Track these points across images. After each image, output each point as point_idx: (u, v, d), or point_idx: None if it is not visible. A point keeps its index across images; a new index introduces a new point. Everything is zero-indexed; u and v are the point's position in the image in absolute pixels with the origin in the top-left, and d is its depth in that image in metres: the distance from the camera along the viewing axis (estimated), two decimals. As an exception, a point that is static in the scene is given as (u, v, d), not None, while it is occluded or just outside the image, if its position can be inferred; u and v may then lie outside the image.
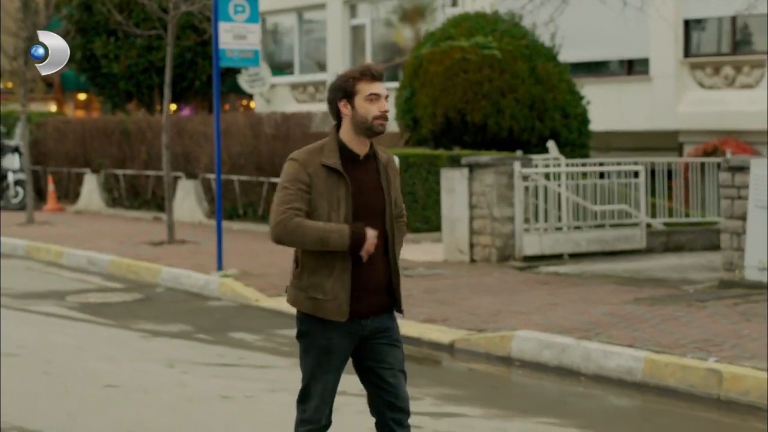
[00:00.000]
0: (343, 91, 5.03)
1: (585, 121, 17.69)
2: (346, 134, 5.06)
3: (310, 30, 28.30)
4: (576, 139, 17.62)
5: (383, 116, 5.00)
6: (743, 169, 11.57)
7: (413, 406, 5.47)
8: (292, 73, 27.99)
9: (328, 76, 26.65)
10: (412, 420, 5.32)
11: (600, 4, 15.72)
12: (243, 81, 26.41)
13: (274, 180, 18.79)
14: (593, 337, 9.28)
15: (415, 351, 9.77)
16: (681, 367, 8.31)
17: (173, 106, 29.92)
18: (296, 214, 4.97)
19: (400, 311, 5.23)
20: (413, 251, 15.01)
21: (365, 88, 5.00)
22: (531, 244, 14.23)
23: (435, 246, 15.68)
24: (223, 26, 14.14)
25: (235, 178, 20.07)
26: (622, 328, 9.63)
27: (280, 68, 28.28)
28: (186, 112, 30.60)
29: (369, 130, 5.02)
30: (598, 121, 18.51)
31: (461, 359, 9.70)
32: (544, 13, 15.25)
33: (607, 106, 19.65)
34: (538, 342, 9.36)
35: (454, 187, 14.53)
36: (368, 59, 22.38)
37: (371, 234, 4.97)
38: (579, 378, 8.83)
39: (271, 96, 27.63)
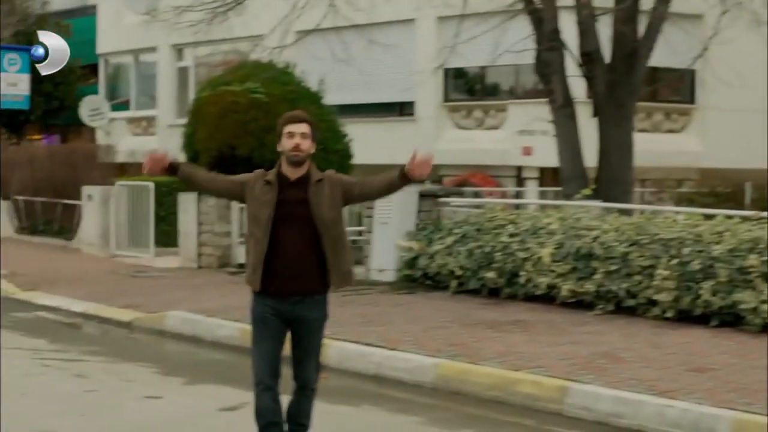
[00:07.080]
0: (278, 133, 6.40)
1: (346, 155, 19.26)
2: (282, 163, 6.44)
3: (144, 70, 31.12)
4: (337, 170, 19.50)
5: (296, 148, 6.34)
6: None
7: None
8: (128, 108, 30.67)
9: (158, 112, 29.53)
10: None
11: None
12: (84, 115, 27.11)
13: (67, 201, 22.74)
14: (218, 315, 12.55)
15: (95, 326, 13.20)
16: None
17: (38, 136, 32.11)
18: (217, 174, 6.89)
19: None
20: (160, 260, 18.65)
21: (285, 129, 6.39)
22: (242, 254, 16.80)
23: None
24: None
25: (37, 199, 23.74)
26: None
27: (121, 104, 30.72)
28: (49, 140, 32.57)
29: (288, 159, 6.40)
30: (371, 156, 20.35)
31: (127, 331, 12.86)
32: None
33: (379, 143, 22.38)
34: (182, 319, 12.58)
35: (187, 208, 18.08)
36: (191, 97, 24.03)
37: (150, 154, 6.38)
38: (201, 342, 11.96)
39: (110, 129, 29.74)
